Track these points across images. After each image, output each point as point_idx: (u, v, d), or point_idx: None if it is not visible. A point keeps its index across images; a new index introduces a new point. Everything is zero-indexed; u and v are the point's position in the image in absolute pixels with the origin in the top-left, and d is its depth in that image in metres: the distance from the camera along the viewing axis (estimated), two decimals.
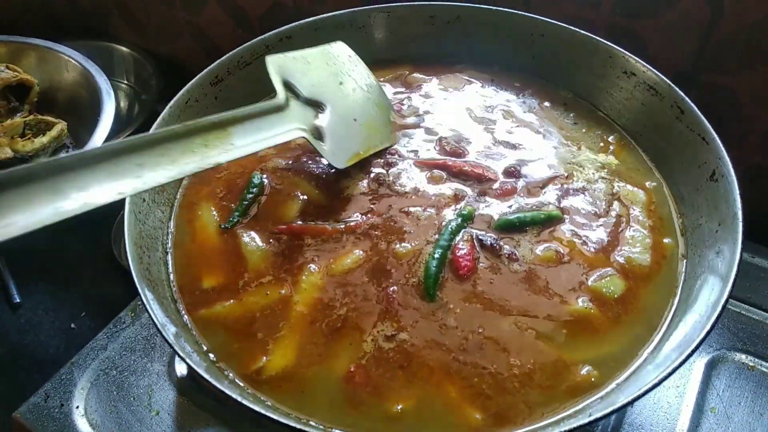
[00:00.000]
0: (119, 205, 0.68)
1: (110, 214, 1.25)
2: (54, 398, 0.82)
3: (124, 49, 1.50)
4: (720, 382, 0.95)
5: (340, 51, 1.01)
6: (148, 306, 0.69)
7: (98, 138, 1.22)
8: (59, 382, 0.85)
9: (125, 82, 1.52)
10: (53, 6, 1.66)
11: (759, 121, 1.18)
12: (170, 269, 0.82)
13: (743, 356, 0.98)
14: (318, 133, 0.89)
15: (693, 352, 0.65)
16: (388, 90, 1.10)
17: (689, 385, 0.94)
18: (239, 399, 0.62)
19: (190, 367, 0.66)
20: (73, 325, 1.24)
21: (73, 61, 1.40)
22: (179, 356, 0.65)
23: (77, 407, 0.82)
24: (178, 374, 0.89)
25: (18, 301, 1.29)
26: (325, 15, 1.10)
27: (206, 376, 0.64)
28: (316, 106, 0.91)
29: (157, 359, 0.91)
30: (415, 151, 0.96)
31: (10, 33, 1.50)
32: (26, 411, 0.82)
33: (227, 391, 0.62)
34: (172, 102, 0.94)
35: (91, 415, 0.80)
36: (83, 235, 1.30)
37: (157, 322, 0.67)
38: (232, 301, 0.77)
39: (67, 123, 1.36)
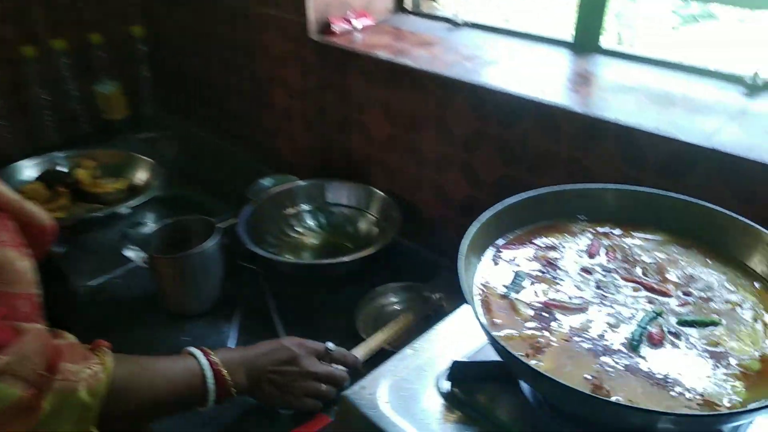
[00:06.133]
0: None
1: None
2: (369, 389, 1.21)
3: (379, 192, 1.97)
4: None
5: None
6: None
7: None
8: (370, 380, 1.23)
9: (375, 215, 1.98)
10: (330, 158, 2.18)
11: None
12: None
13: None
14: None
15: None
16: None
17: None
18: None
19: None
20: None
21: None
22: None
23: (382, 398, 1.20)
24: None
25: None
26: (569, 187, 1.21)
27: None
28: None
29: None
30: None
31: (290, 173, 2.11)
32: (351, 393, 1.22)
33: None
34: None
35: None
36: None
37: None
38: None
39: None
